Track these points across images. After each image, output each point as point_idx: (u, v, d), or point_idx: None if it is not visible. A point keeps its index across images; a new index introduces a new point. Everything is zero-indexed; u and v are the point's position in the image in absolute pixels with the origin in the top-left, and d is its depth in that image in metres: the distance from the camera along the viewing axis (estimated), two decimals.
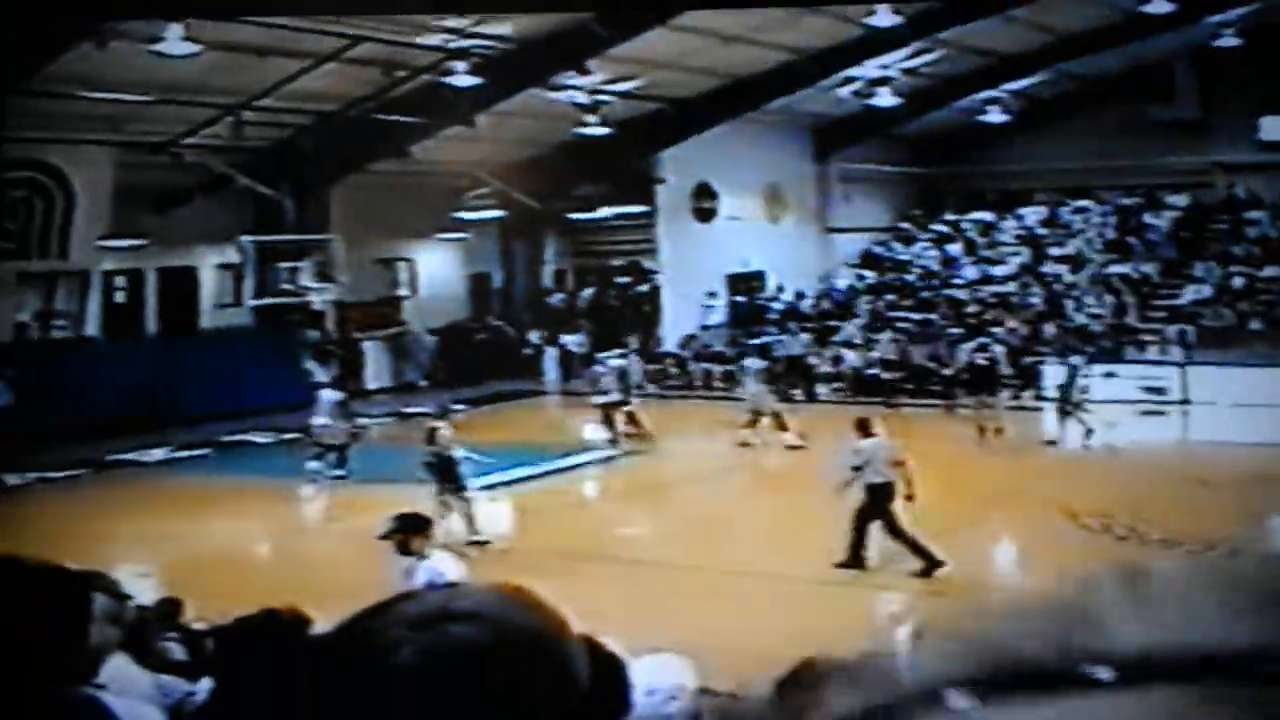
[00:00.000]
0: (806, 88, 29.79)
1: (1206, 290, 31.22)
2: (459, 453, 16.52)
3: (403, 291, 33.16)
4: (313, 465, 21.09)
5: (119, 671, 4.11)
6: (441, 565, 8.71)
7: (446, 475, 16.19)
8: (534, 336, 34.02)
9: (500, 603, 1.44)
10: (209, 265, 29.86)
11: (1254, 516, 15.72)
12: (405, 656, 1.35)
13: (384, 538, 9.17)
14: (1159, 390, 26.66)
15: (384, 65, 24.43)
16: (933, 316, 33.00)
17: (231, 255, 29.30)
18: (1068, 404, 22.92)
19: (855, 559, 14.54)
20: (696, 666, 4.70)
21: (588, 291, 36.57)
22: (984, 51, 31.24)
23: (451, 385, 30.10)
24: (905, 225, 39.06)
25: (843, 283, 36.65)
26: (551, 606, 1.51)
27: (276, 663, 4.61)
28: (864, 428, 15.00)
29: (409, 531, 9.03)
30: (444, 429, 16.86)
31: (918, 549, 14.28)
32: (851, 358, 30.66)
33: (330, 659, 1.43)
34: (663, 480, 21.28)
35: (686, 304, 34.01)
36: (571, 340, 33.27)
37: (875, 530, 14.63)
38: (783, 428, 22.90)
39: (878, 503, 14.47)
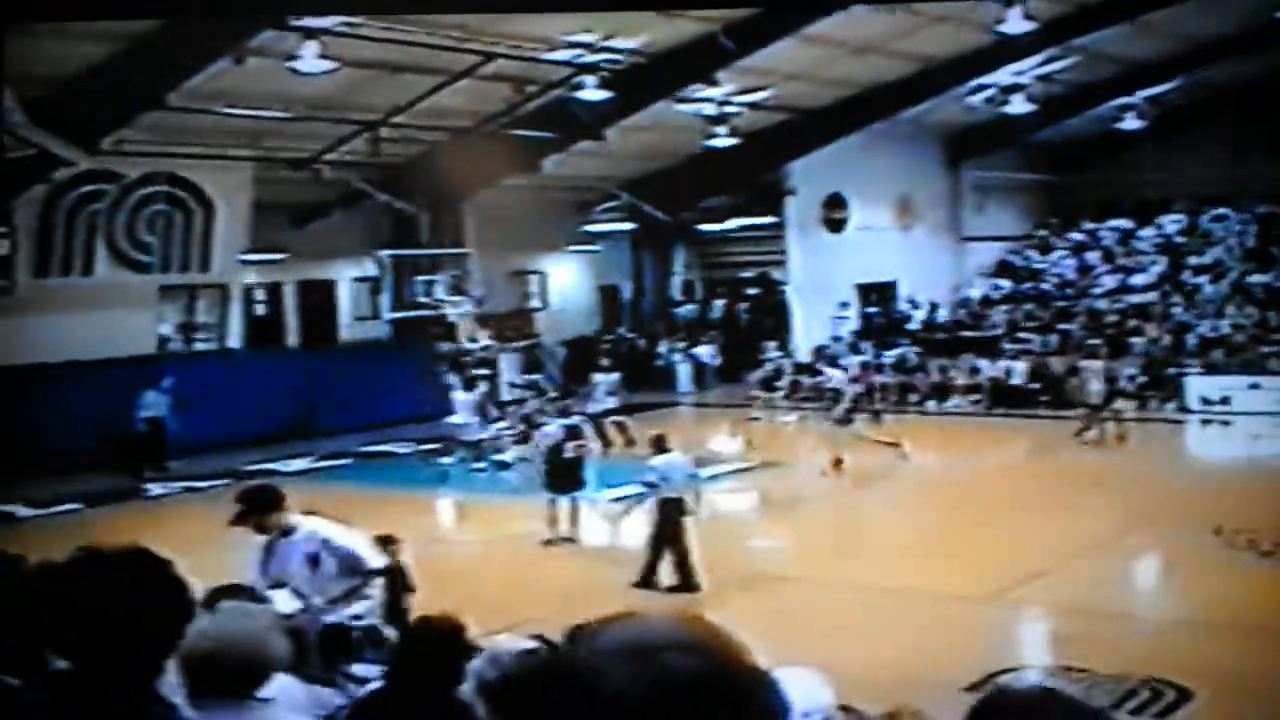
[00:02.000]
0: (938, 96, 29.53)
1: None
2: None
3: (534, 304, 33.51)
4: (446, 462, 22.63)
5: (280, 686, 4.21)
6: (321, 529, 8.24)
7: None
8: (664, 348, 34.14)
9: (696, 632, 1.51)
10: (347, 279, 30.48)
11: None
12: (630, 686, 1.42)
13: (235, 522, 8.32)
14: None
15: (515, 81, 24.71)
16: (1071, 327, 32.47)
17: (369, 269, 29.96)
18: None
19: (647, 580, 14.15)
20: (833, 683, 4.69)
21: (719, 303, 36.60)
22: (1118, 58, 30.69)
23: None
24: (1041, 233, 38.49)
25: (977, 292, 36.23)
26: (731, 634, 1.57)
27: (437, 669, 4.73)
28: (659, 444, 14.91)
29: (259, 511, 8.21)
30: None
31: (683, 567, 14.04)
32: (987, 368, 30.29)
33: (552, 687, 1.50)
34: (799, 494, 21.11)
35: (818, 315, 33.85)
36: (704, 352, 33.35)
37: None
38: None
39: (670, 518, 14.21)
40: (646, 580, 14.10)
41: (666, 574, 14.13)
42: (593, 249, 34.20)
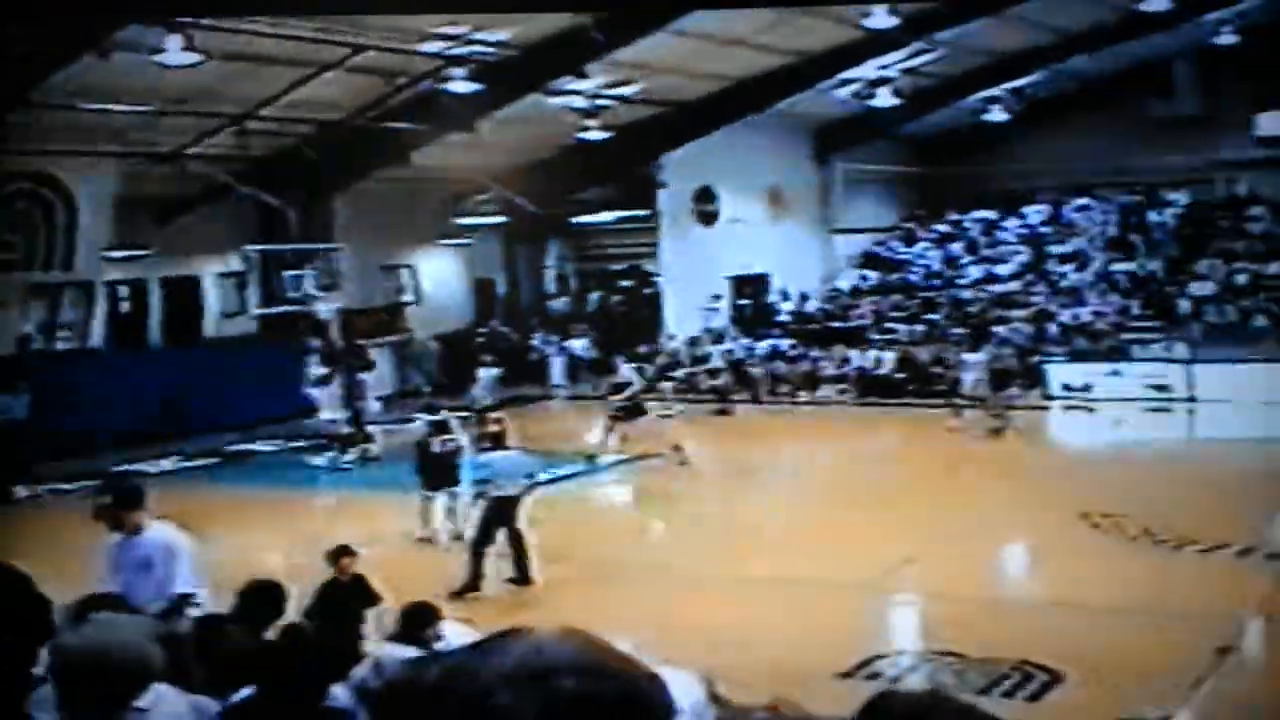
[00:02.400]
0: (806, 90, 29.88)
1: (1210, 287, 31.22)
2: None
3: (407, 298, 33.19)
4: (318, 461, 22.68)
5: (158, 695, 4.11)
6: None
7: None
8: (538, 341, 34.07)
9: (585, 651, 1.52)
10: (213, 274, 29.92)
11: (1262, 514, 15.71)
12: (519, 709, 1.44)
13: (96, 516, 8.27)
14: (1164, 388, 26.69)
15: (385, 73, 24.47)
16: (936, 316, 33.06)
17: (236, 264, 29.45)
18: None
19: (473, 586, 13.68)
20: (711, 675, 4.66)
21: (594, 295, 36.64)
22: (983, 51, 31.33)
23: (457, 391, 30.22)
24: (908, 225, 39.14)
25: (846, 283, 36.72)
26: (617, 647, 1.59)
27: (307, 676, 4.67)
28: (495, 440, 14.90)
29: (121, 506, 8.09)
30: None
31: (520, 562, 13.93)
32: (857, 359, 30.70)
33: (439, 703, 1.50)
34: (678, 487, 21.20)
35: (690, 307, 34.03)
36: (577, 345, 33.34)
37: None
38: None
39: (501, 516, 14.01)
40: (471, 587, 13.54)
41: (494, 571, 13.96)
42: (465, 242, 34.02)
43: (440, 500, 16.40)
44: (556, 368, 33.21)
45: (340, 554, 10.61)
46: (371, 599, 10.40)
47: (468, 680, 1.54)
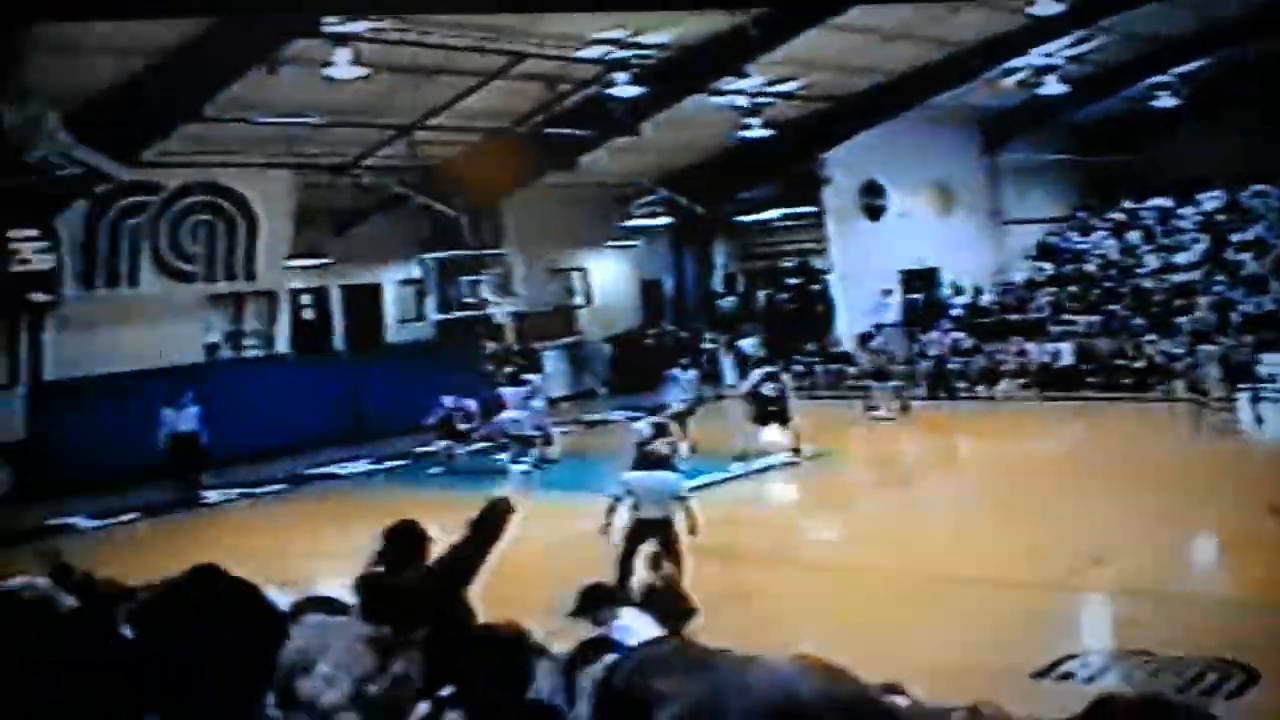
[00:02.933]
0: (970, 81, 29.54)
1: None
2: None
3: (577, 300, 33.77)
4: (503, 460, 22.69)
5: None
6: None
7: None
8: (708, 341, 34.30)
9: (833, 683, 1.59)
10: (391, 282, 30.88)
11: None
12: None
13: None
14: None
15: (548, 80, 24.97)
16: (1116, 307, 32.33)
17: (413, 271, 30.36)
18: None
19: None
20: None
21: (761, 294, 36.72)
22: (1149, 37, 30.58)
23: (630, 391, 30.65)
24: (1081, 214, 38.37)
25: (1020, 276, 36.15)
26: (853, 675, 1.62)
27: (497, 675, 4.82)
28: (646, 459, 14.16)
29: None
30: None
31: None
32: (1035, 352, 30.18)
33: None
34: (851, 484, 21.17)
35: (860, 303, 33.92)
36: (747, 343, 33.45)
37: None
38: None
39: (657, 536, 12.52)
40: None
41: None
42: (633, 244, 34.45)
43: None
44: (726, 367, 33.35)
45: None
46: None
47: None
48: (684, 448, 16.37)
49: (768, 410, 21.95)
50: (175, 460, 22.08)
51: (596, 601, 7.86)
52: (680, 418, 22.55)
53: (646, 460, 15.37)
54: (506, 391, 24.24)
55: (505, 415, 23.57)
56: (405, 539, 7.17)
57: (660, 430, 16.80)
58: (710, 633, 6.71)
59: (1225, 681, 10.22)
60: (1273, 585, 12.99)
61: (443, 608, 5.56)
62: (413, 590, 6.05)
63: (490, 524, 6.48)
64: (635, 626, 6.30)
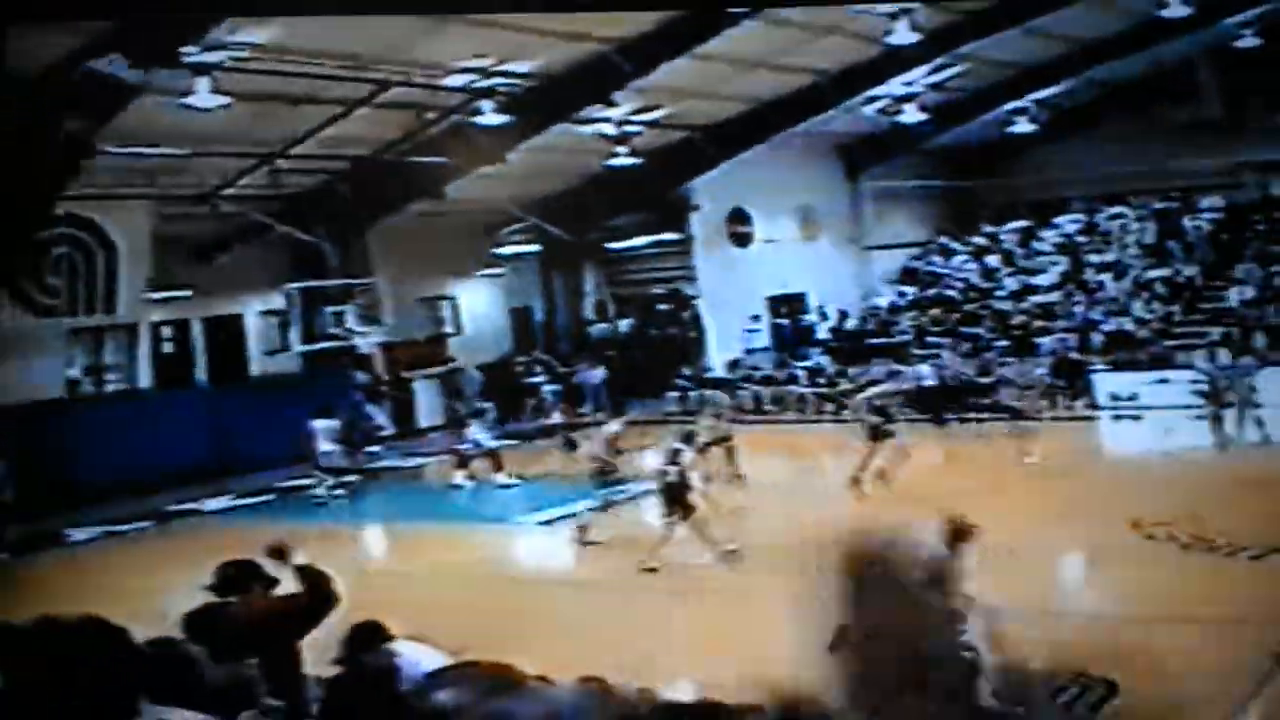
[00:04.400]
0: (832, 108, 30.03)
1: (1250, 291, 31.00)
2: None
3: (447, 329, 33.55)
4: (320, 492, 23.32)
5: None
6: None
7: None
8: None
9: (605, 704, 1.62)
10: (254, 313, 30.40)
11: None
12: None
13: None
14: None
15: (413, 108, 24.85)
16: (979, 330, 32.97)
17: (276, 302, 29.89)
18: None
19: None
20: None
21: (625, 321, 36.82)
22: (1006, 63, 31.38)
23: (502, 420, 30.52)
24: (942, 239, 39.12)
25: (884, 300, 36.71)
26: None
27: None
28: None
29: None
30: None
31: None
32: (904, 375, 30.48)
33: None
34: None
35: (729, 329, 34.22)
36: (592, 374, 33.08)
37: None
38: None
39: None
40: None
41: None
42: (502, 272, 34.34)
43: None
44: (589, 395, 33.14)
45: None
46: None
47: None
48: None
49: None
50: None
51: (366, 641, 7.63)
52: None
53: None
54: (317, 425, 23.77)
55: (320, 447, 23.59)
56: (234, 574, 7.25)
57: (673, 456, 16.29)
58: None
59: (1086, 694, 10.45)
60: (1134, 598, 13.34)
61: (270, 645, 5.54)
62: (239, 621, 6.10)
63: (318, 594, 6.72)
64: (417, 657, 6.30)
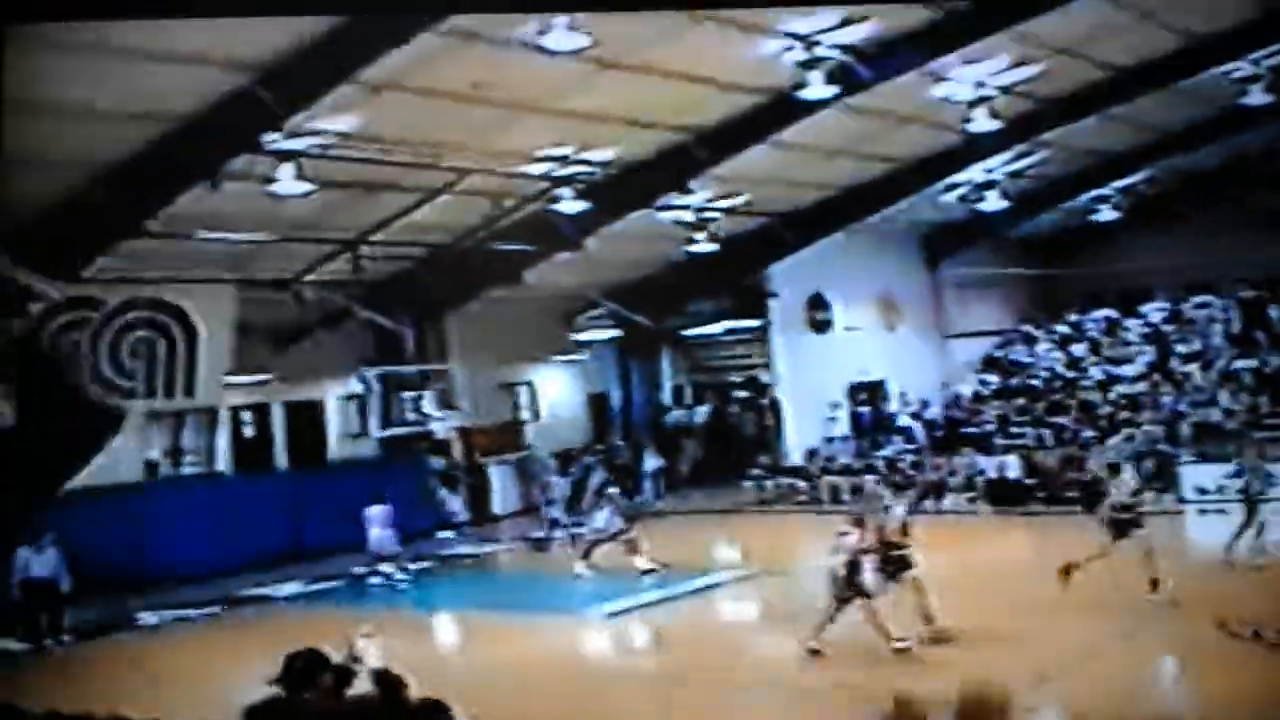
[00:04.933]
0: (910, 196, 29.90)
1: None
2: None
3: (524, 414, 33.53)
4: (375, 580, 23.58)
5: None
6: None
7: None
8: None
9: None
10: (334, 397, 30.56)
11: None
12: None
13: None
14: None
15: (492, 196, 24.99)
16: (1064, 420, 32.43)
17: (355, 387, 30.03)
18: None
19: None
20: None
21: (702, 409, 36.67)
22: (1088, 151, 31.12)
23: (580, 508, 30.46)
24: (1026, 327, 38.66)
25: (968, 388, 36.25)
26: None
27: None
28: None
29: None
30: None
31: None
32: (984, 465, 30.09)
33: None
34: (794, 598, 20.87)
35: (808, 417, 33.93)
36: (652, 462, 33.23)
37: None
38: None
39: None
40: None
41: None
42: (580, 358, 34.34)
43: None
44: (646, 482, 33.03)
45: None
46: None
47: None
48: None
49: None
50: (26, 608, 20.43)
51: (308, 672, 7.41)
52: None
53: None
54: (370, 512, 23.84)
55: (373, 535, 23.70)
56: (302, 667, 7.08)
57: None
58: None
59: None
60: (1215, 697, 12.89)
61: None
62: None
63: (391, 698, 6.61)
64: None
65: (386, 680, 7.45)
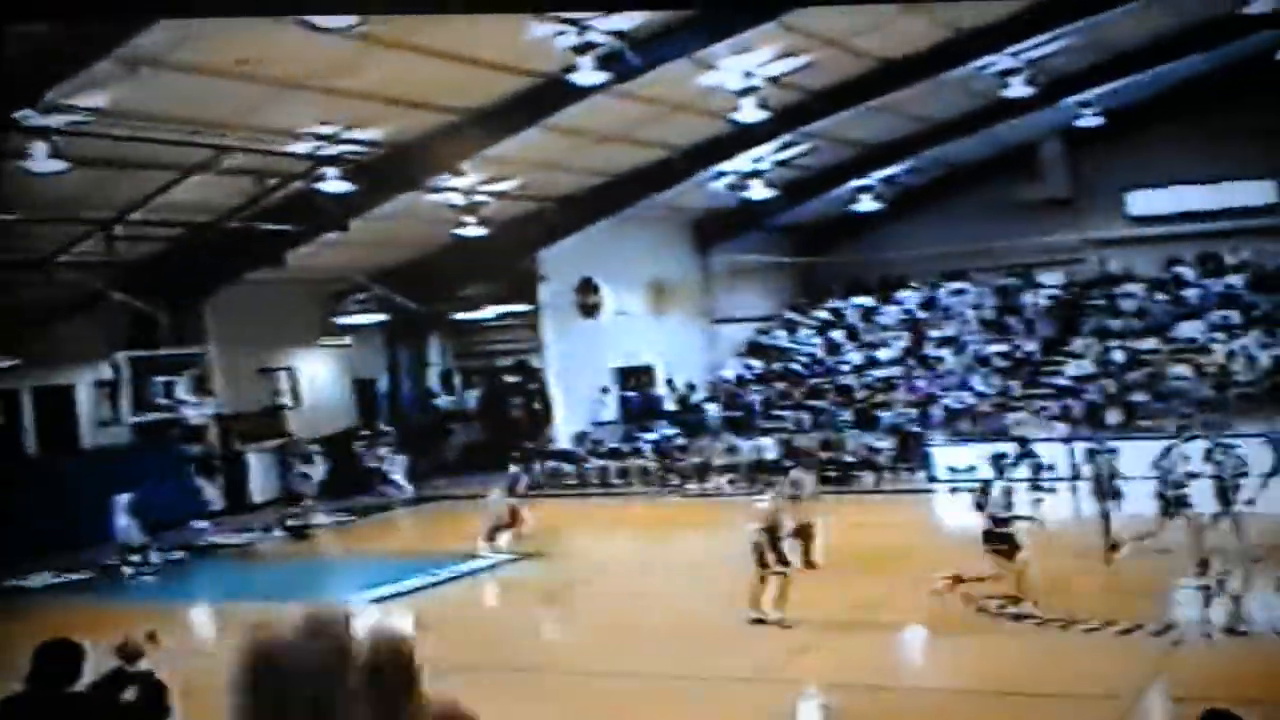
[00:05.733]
0: (681, 183, 30.14)
1: (1088, 366, 31.69)
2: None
3: (285, 401, 32.55)
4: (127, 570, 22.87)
5: None
6: None
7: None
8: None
9: None
10: (86, 383, 29.25)
11: (1152, 592, 15.89)
12: None
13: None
14: (1048, 468, 26.73)
15: (255, 174, 24.22)
16: (822, 403, 33.22)
17: (108, 372, 28.79)
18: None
19: None
20: None
21: (473, 392, 36.37)
22: (852, 142, 31.87)
23: (342, 495, 29.90)
24: (789, 314, 39.46)
25: (731, 373, 36.80)
26: None
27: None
28: None
29: None
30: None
31: None
32: (746, 448, 30.58)
33: None
34: (564, 582, 20.83)
35: (577, 401, 33.94)
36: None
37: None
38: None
39: None
40: None
41: None
42: (345, 343, 33.54)
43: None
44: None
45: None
46: None
47: None
48: None
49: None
50: None
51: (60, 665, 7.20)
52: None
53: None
54: (119, 500, 23.23)
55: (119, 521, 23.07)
56: (57, 658, 6.71)
57: None
58: None
59: None
60: (964, 669, 13.34)
61: None
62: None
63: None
64: None
65: (150, 684, 7.13)
